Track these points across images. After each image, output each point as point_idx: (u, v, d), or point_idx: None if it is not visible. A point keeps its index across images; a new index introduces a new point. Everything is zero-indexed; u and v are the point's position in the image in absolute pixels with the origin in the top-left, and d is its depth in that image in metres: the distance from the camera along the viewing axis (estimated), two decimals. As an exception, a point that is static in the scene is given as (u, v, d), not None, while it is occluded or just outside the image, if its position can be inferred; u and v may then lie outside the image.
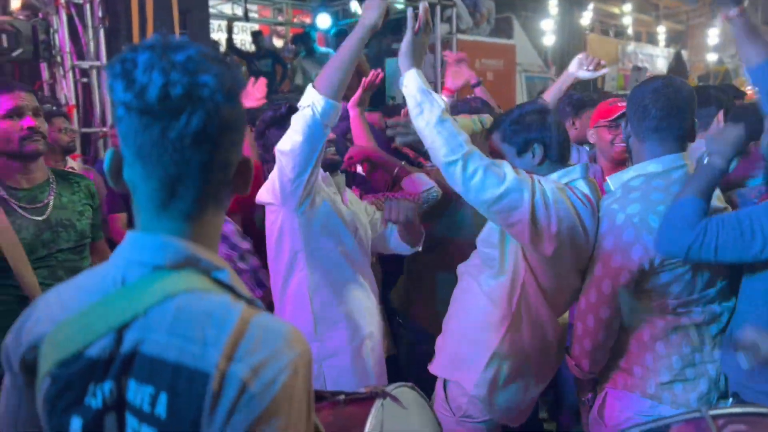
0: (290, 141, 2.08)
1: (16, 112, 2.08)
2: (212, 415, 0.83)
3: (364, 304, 2.38)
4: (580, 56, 3.09)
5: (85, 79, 5.00)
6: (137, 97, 0.86)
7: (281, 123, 2.35)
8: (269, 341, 0.86)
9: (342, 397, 1.35)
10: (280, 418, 0.84)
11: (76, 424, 0.90)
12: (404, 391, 1.40)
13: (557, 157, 2.11)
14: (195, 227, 0.93)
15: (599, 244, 1.95)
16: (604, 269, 1.91)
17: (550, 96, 3.11)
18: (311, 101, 2.04)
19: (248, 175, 0.98)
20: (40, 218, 2.14)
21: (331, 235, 2.30)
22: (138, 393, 0.87)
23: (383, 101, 6.86)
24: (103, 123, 4.99)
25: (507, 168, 1.94)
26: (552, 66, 12.31)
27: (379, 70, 3.07)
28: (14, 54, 4.27)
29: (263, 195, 2.29)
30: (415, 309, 2.90)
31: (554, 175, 2.06)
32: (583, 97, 3.63)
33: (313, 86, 2.06)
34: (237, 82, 0.91)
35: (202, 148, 0.90)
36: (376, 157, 2.81)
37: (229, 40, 8.62)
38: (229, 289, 0.93)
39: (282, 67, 8.51)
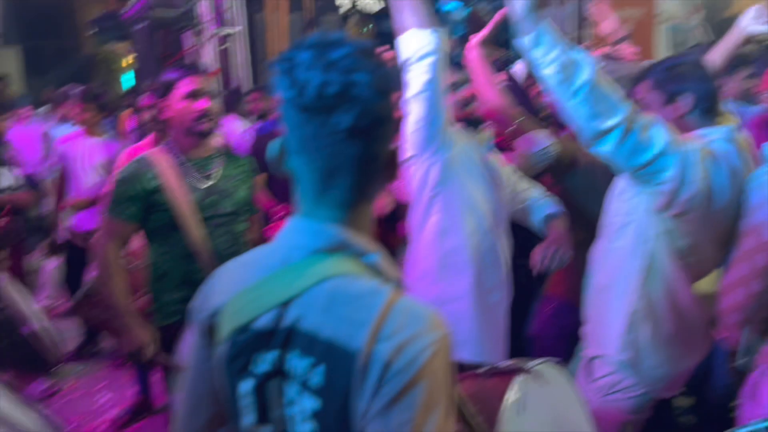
0: (417, 85, 2.11)
1: (193, 95, 2.34)
2: (361, 388, 0.92)
3: (494, 258, 2.37)
4: (754, 8, 2.79)
5: (225, 45, 5.24)
6: (298, 95, 0.95)
7: None
8: (412, 323, 0.93)
9: (484, 369, 1.36)
10: (421, 392, 0.90)
11: (245, 385, 1.02)
12: (546, 367, 1.37)
13: (704, 111, 2.00)
14: (348, 214, 1.01)
15: (752, 216, 1.85)
16: (758, 242, 1.81)
17: (717, 54, 2.83)
18: (415, 46, 2.06)
19: (396, 164, 1.04)
20: (207, 184, 2.41)
21: (469, 184, 2.31)
22: (298, 364, 0.98)
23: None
24: (240, 87, 5.23)
25: (659, 127, 1.85)
26: (697, 13, 11.32)
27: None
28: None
29: (404, 153, 2.31)
30: (554, 280, 2.83)
31: (698, 133, 1.97)
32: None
33: (401, 36, 2.07)
34: (389, 79, 0.98)
35: (354, 142, 0.97)
36: (494, 115, 2.61)
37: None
38: (379, 272, 1.00)
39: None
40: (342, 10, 7.02)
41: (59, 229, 4.42)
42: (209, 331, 1.08)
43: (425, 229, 2.31)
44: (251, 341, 1.01)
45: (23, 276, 4.32)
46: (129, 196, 2.34)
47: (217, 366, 1.06)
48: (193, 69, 2.43)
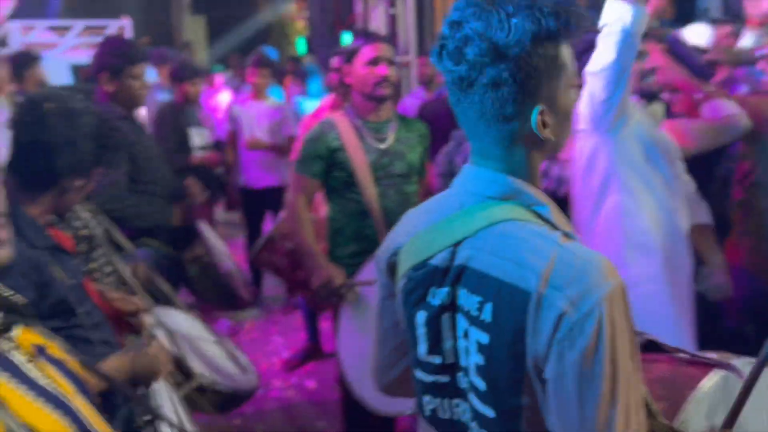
0: (601, 60, 2.05)
1: (374, 61, 2.48)
2: (534, 330, 0.95)
3: (678, 236, 2.27)
4: None
5: (392, 10, 5.34)
6: (447, 58, 1.02)
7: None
8: (585, 273, 0.94)
9: (685, 355, 1.30)
10: (604, 348, 0.91)
11: (421, 316, 1.10)
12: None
13: None
14: (516, 165, 1.06)
15: None
16: None
17: None
18: (617, 14, 1.99)
19: (545, 117, 1.05)
20: (382, 147, 2.55)
21: (647, 161, 2.23)
22: (468, 300, 1.03)
23: (691, 13, 6.10)
24: (406, 52, 5.31)
25: None
26: None
27: None
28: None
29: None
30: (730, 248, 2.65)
31: None
32: None
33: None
34: (547, 29, 0.99)
35: (507, 98, 1.00)
36: (679, 84, 2.53)
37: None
38: (549, 223, 1.03)
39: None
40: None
41: (234, 185, 4.75)
42: (391, 268, 1.18)
43: (603, 211, 2.25)
44: (426, 276, 1.09)
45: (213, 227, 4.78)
46: (315, 155, 2.53)
47: (398, 300, 1.16)
48: (374, 36, 2.56)
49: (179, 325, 2.20)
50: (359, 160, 2.49)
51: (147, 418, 1.54)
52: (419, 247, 1.11)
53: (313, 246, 2.55)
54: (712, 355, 1.28)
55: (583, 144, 2.25)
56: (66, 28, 6.89)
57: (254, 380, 2.28)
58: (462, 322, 1.05)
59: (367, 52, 2.48)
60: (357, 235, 2.51)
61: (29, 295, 1.44)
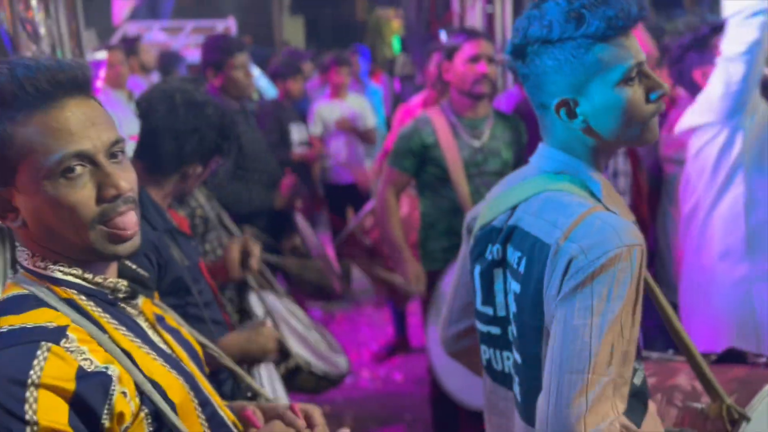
0: (743, 44, 1.99)
1: (475, 59, 2.49)
2: (550, 277, 1.07)
3: None
4: None
5: (490, 8, 5.31)
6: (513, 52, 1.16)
7: (702, 45, 2.22)
8: (602, 230, 1.05)
9: (765, 359, 1.38)
10: (601, 287, 1.02)
11: (477, 269, 1.26)
12: None
13: None
14: (573, 145, 1.16)
15: None
16: None
17: None
18: (745, 2, 1.94)
19: (575, 107, 1.14)
20: (476, 144, 2.57)
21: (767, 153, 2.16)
22: (513, 255, 1.17)
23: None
24: (503, 50, 5.27)
25: None
26: None
27: None
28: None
29: (691, 119, 2.20)
30: None
31: None
32: None
33: None
34: (584, 22, 1.07)
35: (546, 85, 1.13)
36: None
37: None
38: (596, 198, 1.13)
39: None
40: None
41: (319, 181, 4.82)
42: (470, 230, 1.33)
43: (722, 204, 2.18)
44: (486, 234, 1.24)
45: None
46: (408, 150, 2.58)
47: (467, 255, 1.32)
48: (475, 33, 2.59)
49: (278, 308, 2.30)
50: (453, 156, 2.52)
51: (249, 395, 1.63)
52: (488, 210, 1.26)
53: (400, 238, 2.61)
54: None
55: (707, 137, 2.17)
56: (178, 29, 7.29)
57: (346, 366, 2.36)
58: (508, 276, 1.19)
59: (467, 48, 2.50)
60: (449, 231, 2.54)
61: (151, 272, 1.56)
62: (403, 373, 3.84)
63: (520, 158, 2.72)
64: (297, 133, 4.33)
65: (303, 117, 4.61)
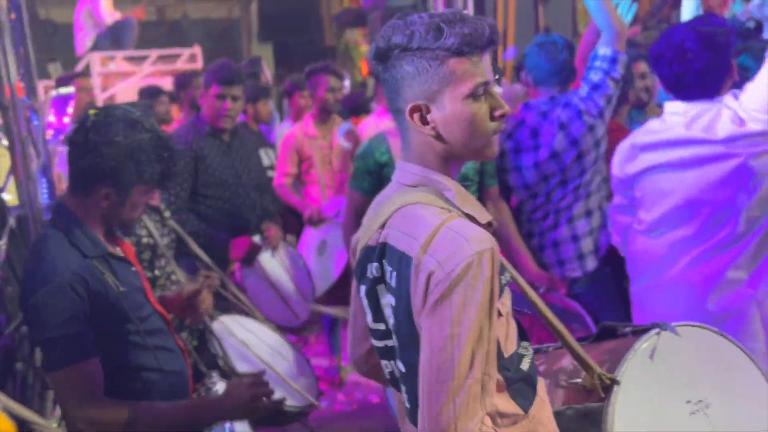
0: None
1: None
2: (415, 290, 1.16)
3: None
4: None
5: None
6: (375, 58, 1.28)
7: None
8: (454, 241, 1.13)
9: (629, 329, 1.54)
10: (457, 297, 1.11)
11: (362, 290, 1.33)
12: (693, 329, 1.52)
13: None
14: (419, 156, 1.26)
15: None
16: None
17: None
18: None
19: (427, 114, 1.23)
20: None
21: None
22: (387, 270, 1.24)
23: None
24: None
25: None
26: None
27: None
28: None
29: (751, 125, 2.08)
30: None
31: None
32: None
33: None
34: (419, 41, 1.18)
35: (403, 90, 1.23)
36: None
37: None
38: (453, 204, 1.21)
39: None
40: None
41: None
42: (354, 252, 1.39)
43: None
44: (366, 254, 1.31)
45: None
46: (365, 170, 2.57)
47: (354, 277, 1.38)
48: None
49: (233, 343, 2.24)
50: None
51: None
52: (365, 232, 1.33)
53: None
54: (650, 324, 1.50)
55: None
56: (142, 58, 7.25)
57: (314, 393, 2.30)
58: (386, 291, 1.26)
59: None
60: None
61: (78, 305, 1.56)
62: (379, 395, 3.79)
63: (481, 171, 2.73)
64: (266, 158, 4.31)
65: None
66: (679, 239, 2.20)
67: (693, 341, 1.50)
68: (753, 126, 2.02)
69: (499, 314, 1.19)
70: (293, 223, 4.25)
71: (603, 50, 2.54)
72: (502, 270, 1.21)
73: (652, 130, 2.27)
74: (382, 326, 1.30)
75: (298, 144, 3.91)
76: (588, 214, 2.68)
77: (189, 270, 2.64)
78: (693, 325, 1.53)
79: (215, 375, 1.98)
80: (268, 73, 5.79)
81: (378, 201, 1.36)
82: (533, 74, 2.70)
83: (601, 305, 2.65)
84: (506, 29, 5.98)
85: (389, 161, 2.51)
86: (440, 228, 1.15)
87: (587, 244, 2.68)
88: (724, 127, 2.06)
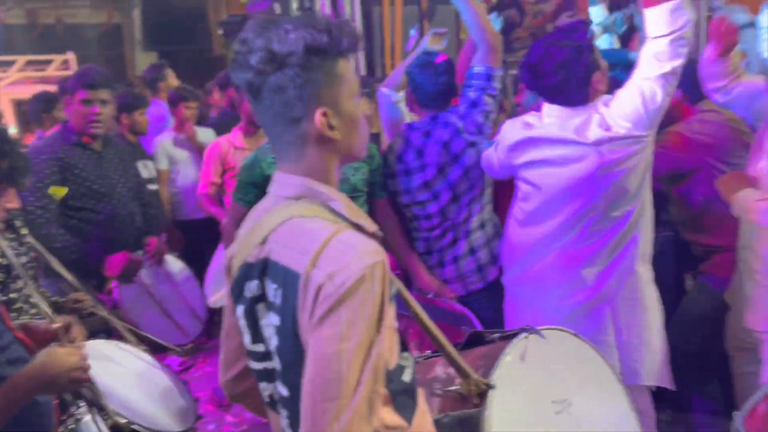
0: (670, 64, 2.09)
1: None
2: (303, 306, 1.10)
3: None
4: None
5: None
6: (238, 69, 1.19)
7: None
8: (344, 254, 1.09)
9: (497, 335, 1.59)
10: (347, 312, 1.07)
11: (240, 309, 1.26)
12: (556, 332, 1.61)
13: None
14: (311, 166, 1.22)
15: None
16: None
17: None
18: (671, 24, 2.05)
19: (330, 119, 1.20)
20: None
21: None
22: (269, 288, 1.18)
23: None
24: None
25: None
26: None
27: None
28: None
29: (615, 130, 2.21)
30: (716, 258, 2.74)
31: None
32: None
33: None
34: (317, 42, 1.14)
35: (292, 102, 1.17)
36: None
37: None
38: (340, 215, 1.17)
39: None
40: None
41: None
42: (229, 271, 1.32)
43: (637, 219, 2.32)
44: (244, 272, 1.24)
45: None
46: (249, 182, 2.51)
47: (229, 297, 1.31)
48: None
49: (109, 363, 2.12)
50: None
51: None
52: (241, 248, 1.26)
53: None
54: (518, 328, 1.57)
55: (629, 153, 2.23)
56: (9, 63, 6.76)
57: (189, 422, 2.20)
58: (268, 311, 1.19)
59: None
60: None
61: None
62: (270, 413, 3.70)
63: (371, 182, 2.74)
64: (145, 170, 4.12)
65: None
66: (546, 233, 2.33)
67: (555, 343, 1.58)
68: (617, 131, 2.15)
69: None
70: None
71: (478, 68, 2.63)
72: (390, 282, 1.17)
73: (532, 125, 2.37)
74: (261, 347, 1.24)
75: (223, 154, 3.80)
76: (482, 225, 2.73)
77: (55, 289, 2.47)
78: (553, 329, 1.62)
79: (82, 404, 1.84)
80: (173, 80, 5.56)
81: (255, 215, 1.29)
82: (417, 95, 2.73)
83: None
84: (393, 44, 6.09)
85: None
86: (330, 240, 1.11)
87: (485, 255, 2.73)
88: (593, 131, 2.19)
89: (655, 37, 2.07)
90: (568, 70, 2.19)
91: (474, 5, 2.61)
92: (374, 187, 2.78)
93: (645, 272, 2.33)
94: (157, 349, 2.72)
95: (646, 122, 2.15)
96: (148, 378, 2.23)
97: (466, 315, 2.58)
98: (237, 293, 1.26)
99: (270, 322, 1.19)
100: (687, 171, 2.76)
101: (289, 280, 1.13)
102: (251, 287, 1.22)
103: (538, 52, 2.24)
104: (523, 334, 1.52)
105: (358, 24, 5.31)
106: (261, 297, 1.20)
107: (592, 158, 2.19)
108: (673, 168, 2.75)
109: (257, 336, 1.24)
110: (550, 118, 2.32)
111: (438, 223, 2.73)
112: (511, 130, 2.42)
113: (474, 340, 1.62)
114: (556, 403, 1.48)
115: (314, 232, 1.13)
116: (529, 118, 2.41)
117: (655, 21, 2.05)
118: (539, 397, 1.48)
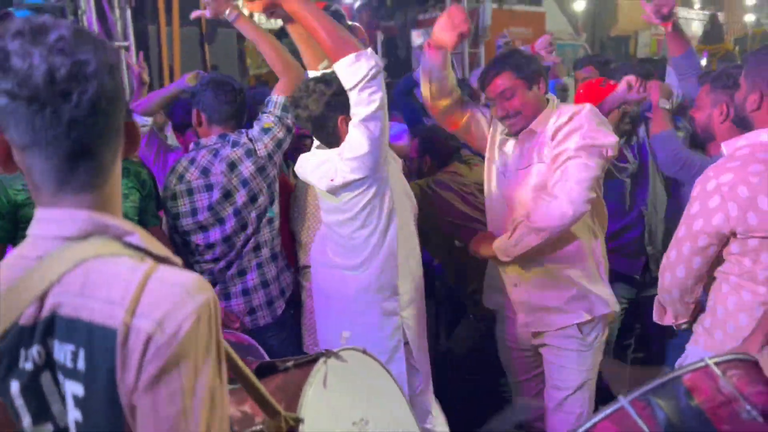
0: (374, 104, 2.12)
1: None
2: (125, 365, 0.91)
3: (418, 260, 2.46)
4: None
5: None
6: (21, 86, 0.90)
7: None
8: (171, 294, 0.92)
9: (291, 363, 1.51)
10: (187, 363, 0.91)
11: (14, 386, 0.98)
12: (350, 352, 1.57)
13: None
14: (99, 197, 1.00)
15: (688, 207, 2.04)
16: (687, 232, 2.01)
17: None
18: (361, 72, 2.09)
19: (134, 135, 1.05)
20: None
21: (404, 194, 2.40)
22: (61, 351, 0.95)
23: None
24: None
25: None
26: (582, 33, 12.00)
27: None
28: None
29: (345, 176, 2.21)
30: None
31: None
32: None
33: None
34: (113, 54, 0.98)
35: (95, 122, 0.95)
36: None
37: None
38: (143, 250, 0.98)
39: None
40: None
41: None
42: None
43: (385, 246, 2.34)
44: (15, 340, 0.97)
45: None
46: None
47: None
48: None
49: None
50: None
51: None
52: (5, 310, 0.96)
53: None
54: (312, 354, 1.55)
55: (358, 192, 2.26)
56: None
57: None
58: (61, 379, 0.96)
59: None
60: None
61: None
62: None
63: (145, 208, 2.57)
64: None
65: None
66: None
67: (350, 364, 1.56)
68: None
69: None
70: None
71: (276, 96, 2.59)
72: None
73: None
74: (50, 427, 0.99)
75: None
76: (274, 258, 2.64)
77: None
78: (349, 348, 1.59)
79: None
80: None
81: (15, 265, 1.00)
82: (208, 113, 2.59)
83: (292, 350, 2.62)
84: (172, 65, 5.82)
85: (28, 201, 2.12)
86: (146, 281, 0.93)
87: (275, 289, 2.64)
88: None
89: (348, 90, 2.15)
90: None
91: (262, 34, 2.57)
92: (146, 215, 2.57)
93: None
94: None
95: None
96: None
97: (252, 344, 2.47)
98: (8, 367, 0.98)
99: (67, 392, 0.96)
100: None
101: (96, 337, 0.92)
102: (31, 355, 0.96)
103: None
104: (322, 360, 1.47)
105: (131, 42, 4.98)
106: (45, 365, 0.97)
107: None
108: None
109: (42, 414, 0.99)
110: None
111: (223, 253, 2.57)
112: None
113: (264, 371, 1.50)
114: (356, 423, 1.47)
115: (121, 276, 0.94)
116: None
117: (342, 76, 2.14)
118: (340, 421, 1.46)
